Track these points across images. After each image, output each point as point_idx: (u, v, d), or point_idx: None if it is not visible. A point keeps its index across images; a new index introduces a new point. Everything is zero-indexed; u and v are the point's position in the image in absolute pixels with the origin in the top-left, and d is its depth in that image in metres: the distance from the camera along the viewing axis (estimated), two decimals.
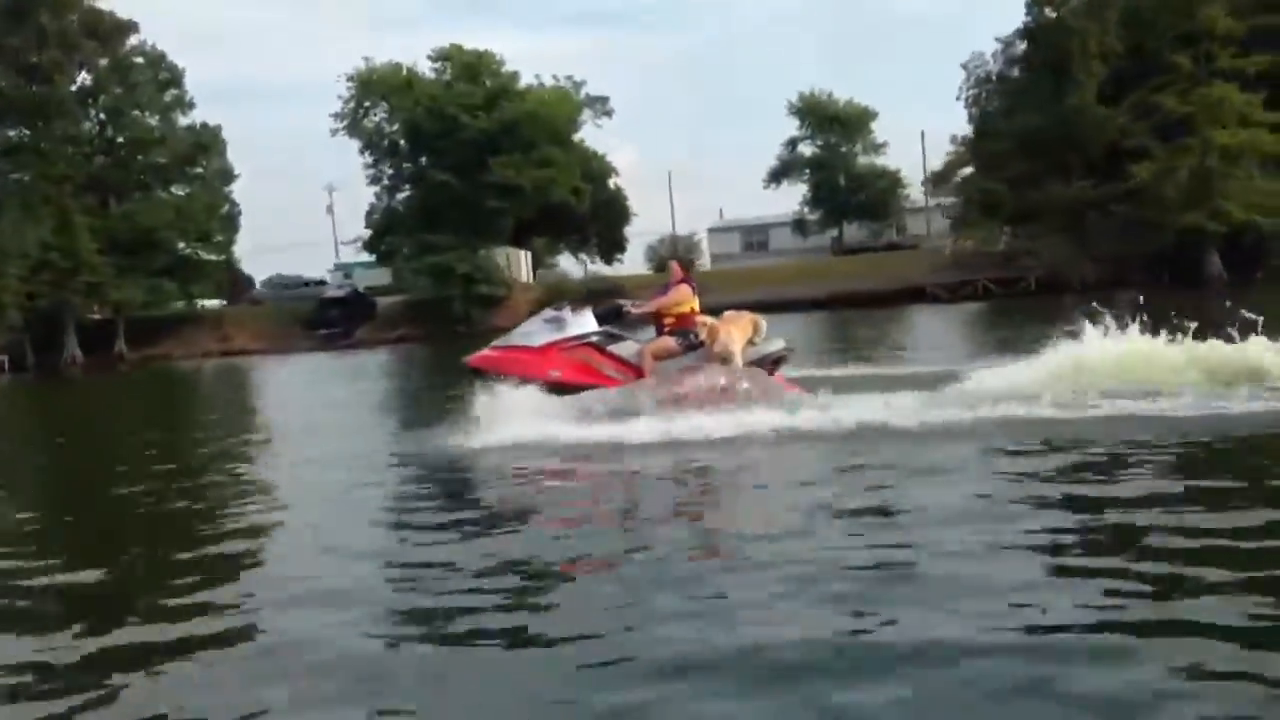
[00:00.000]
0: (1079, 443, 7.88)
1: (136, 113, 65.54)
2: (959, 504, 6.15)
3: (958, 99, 59.61)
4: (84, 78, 65.34)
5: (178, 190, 67.59)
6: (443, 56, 67.08)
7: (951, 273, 54.50)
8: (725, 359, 10.38)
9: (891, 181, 76.38)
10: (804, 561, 5.12)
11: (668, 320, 11.01)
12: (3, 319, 60.31)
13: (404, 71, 67.06)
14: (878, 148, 77.90)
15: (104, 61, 64.49)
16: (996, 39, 57.78)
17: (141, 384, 39.75)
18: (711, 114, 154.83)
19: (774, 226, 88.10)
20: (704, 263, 76.68)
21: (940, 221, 77.73)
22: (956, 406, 9.23)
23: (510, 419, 9.93)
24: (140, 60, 65.53)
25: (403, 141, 66.69)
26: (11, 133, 64.74)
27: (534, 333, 10.94)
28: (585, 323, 10.85)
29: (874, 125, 77.50)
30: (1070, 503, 6.17)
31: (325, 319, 65.58)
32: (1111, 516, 5.72)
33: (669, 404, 9.94)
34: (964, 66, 58.52)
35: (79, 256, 61.76)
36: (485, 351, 11.05)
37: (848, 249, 77.47)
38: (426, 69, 68.08)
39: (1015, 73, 60.29)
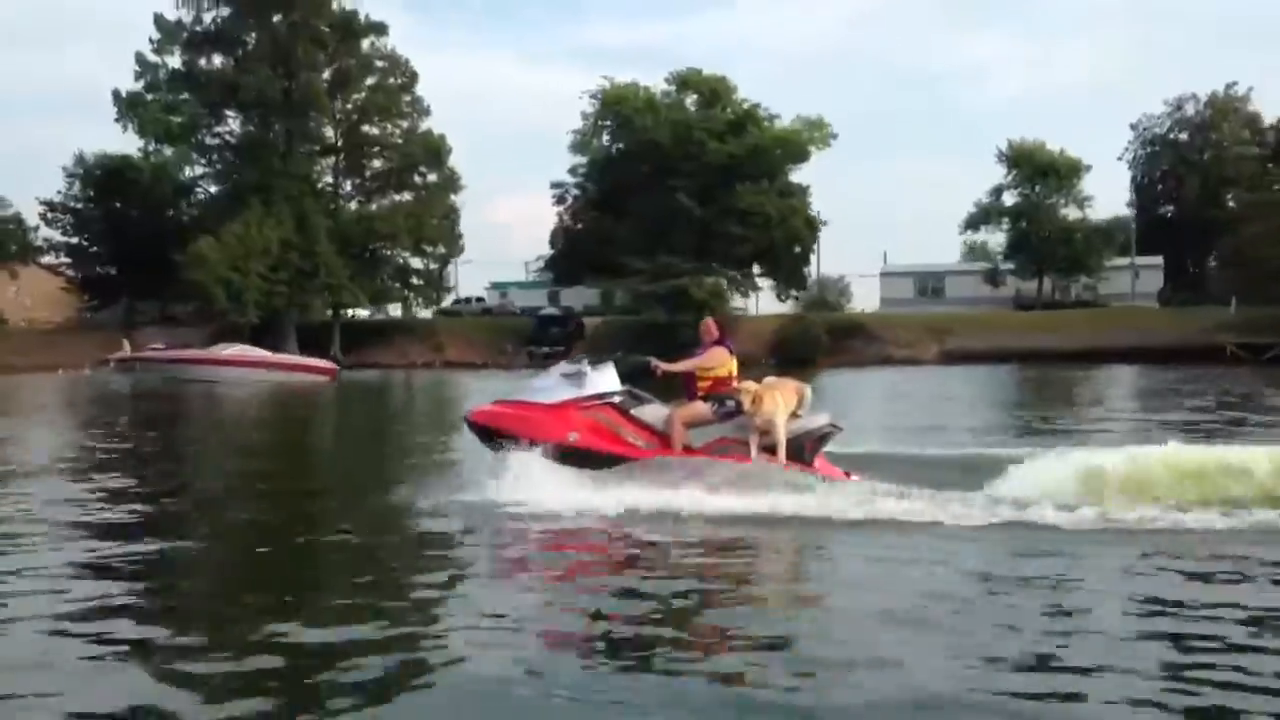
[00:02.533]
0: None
1: (377, 116, 64.81)
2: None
3: (1119, 159, 58.65)
4: (325, 76, 64.72)
5: (404, 197, 66.74)
6: (681, 80, 66.32)
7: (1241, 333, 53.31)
8: (767, 430, 9.26)
9: (1100, 236, 75.01)
10: None
11: (702, 384, 9.75)
12: (244, 316, 59.41)
13: (641, 92, 66.21)
14: (1082, 201, 76.78)
15: (352, 61, 63.87)
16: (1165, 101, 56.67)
17: (394, 393, 38.74)
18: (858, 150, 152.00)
19: (951, 274, 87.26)
20: (858, 306, 75.65)
21: (1150, 278, 77.23)
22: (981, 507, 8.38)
23: (529, 482, 8.89)
24: (382, 62, 64.92)
25: (640, 164, 65.39)
26: (252, 127, 64.19)
27: (548, 388, 9.68)
28: (607, 380, 9.64)
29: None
30: None
31: (547, 337, 64.64)
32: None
33: (699, 486, 8.84)
34: (1132, 127, 57.61)
35: (318, 257, 60.98)
36: (491, 406, 9.84)
37: (1027, 304, 76.40)
38: (659, 91, 67.20)
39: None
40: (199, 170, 66.04)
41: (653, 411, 9.66)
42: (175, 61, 63.98)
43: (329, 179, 66.39)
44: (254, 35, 62.97)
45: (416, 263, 66.13)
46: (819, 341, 59.74)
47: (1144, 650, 5.00)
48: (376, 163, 66.08)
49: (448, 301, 75.04)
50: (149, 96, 63.69)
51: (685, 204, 62.43)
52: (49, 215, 71.00)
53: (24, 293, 74.55)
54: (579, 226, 73.03)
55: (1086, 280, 79.17)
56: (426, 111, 65.40)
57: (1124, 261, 76.86)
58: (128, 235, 68.02)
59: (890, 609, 5.70)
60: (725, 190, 62.55)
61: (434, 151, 65.38)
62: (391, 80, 65.17)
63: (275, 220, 59.86)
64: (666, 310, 61.06)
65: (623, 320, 65.80)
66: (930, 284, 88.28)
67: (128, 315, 74.66)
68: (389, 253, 65.31)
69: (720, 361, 9.79)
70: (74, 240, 72.58)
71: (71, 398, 34.82)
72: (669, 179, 63.61)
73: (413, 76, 65.81)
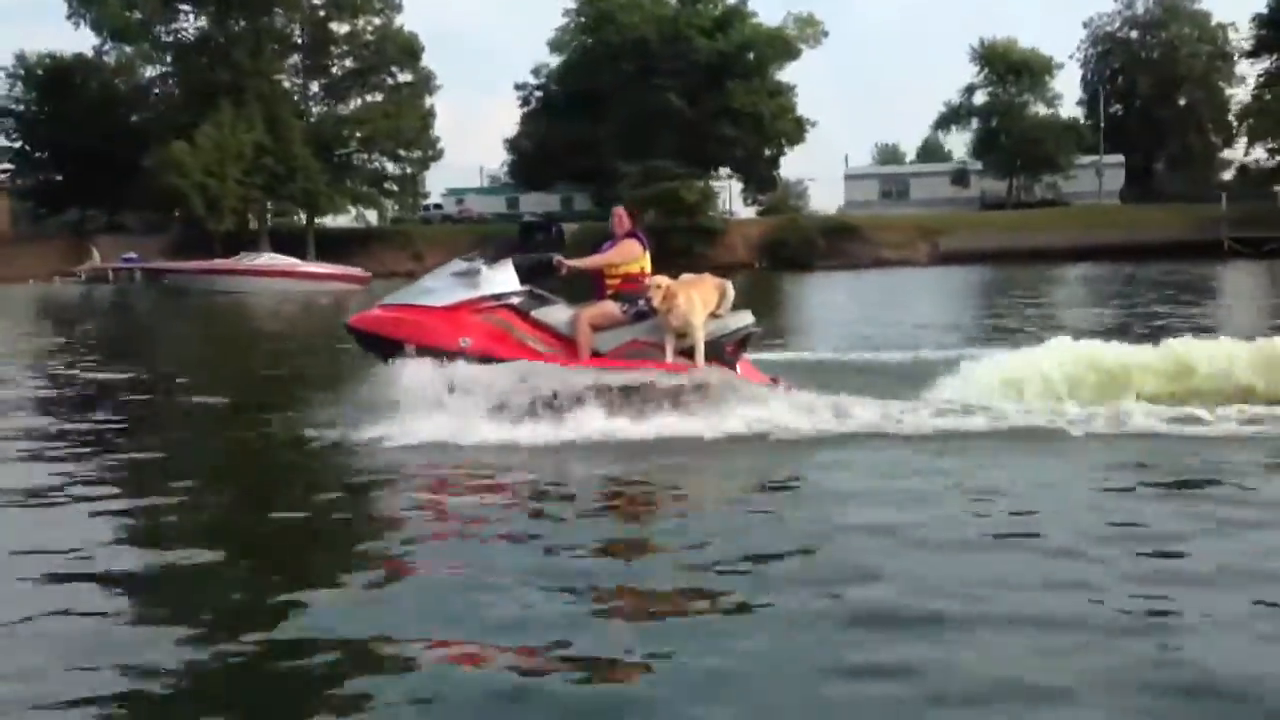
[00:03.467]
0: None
1: (346, 11, 61.64)
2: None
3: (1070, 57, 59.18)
4: None
5: (375, 98, 64.01)
6: None
7: (1236, 227, 54.36)
8: (683, 332, 8.39)
9: (1071, 135, 75.53)
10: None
11: (611, 281, 8.69)
12: (221, 224, 56.81)
13: None
14: (1051, 99, 77.17)
15: None
16: None
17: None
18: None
19: (916, 176, 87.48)
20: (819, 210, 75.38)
21: (1112, 177, 78.30)
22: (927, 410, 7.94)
23: (417, 404, 7.79)
24: None
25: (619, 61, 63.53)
26: (209, 23, 60.56)
27: (439, 289, 8.56)
28: (505, 279, 8.50)
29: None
30: None
31: (533, 243, 62.97)
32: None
33: (609, 394, 8.01)
34: (1085, 25, 58.34)
35: (293, 161, 58.35)
36: (375, 310, 8.66)
37: (993, 203, 77.10)
38: None
39: None
40: (156, 70, 61.90)
41: (556, 313, 8.52)
42: None
43: (295, 80, 63.02)
44: None
45: (392, 167, 63.57)
46: (814, 244, 59.46)
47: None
48: (347, 62, 62.92)
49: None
50: None
51: (674, 103, 60.99)
52: None
53: None
54: (544, 131, 71.05)
55: (1048, 179, 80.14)
56: (398, 7, 62.30)
57: (1088, 160, 77.64)
58: (75, 140, 64.17)
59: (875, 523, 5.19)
60: (715, 90, 61.22)
61: (407, 50, 62.68)
62: None
63: (247, 123, 56.91)
64: (657, 216, 60.06)
65: (601, 226, 64.39)
66: (895, 186, 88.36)
67: (78, 224, 71.09)
68: (365, 157, 62.69)
69: (632, 256, 8.63)
70: (17, 145, 68.24)
71: (78, 310, 32.92)
72: (654, 78, 62.02)
73: None
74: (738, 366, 8.57)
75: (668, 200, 60.07)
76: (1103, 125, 77.86)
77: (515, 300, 8.40)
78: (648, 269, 8.67)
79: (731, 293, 8.54)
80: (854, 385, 8.54)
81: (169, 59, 60.75)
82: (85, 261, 53.69)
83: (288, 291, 37.75)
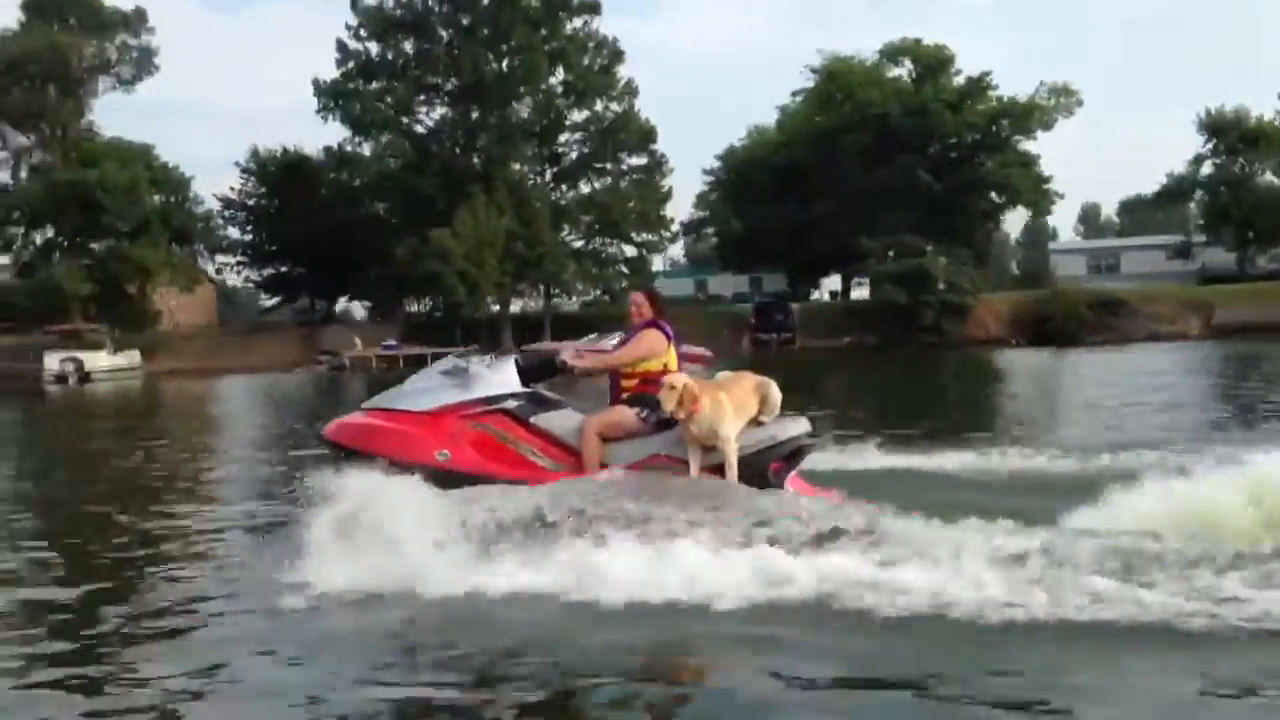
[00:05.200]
0: None
1: (585, 98, 61.98)
2: None
3: None
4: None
5: (609, 182, 63.82)
6: (898, 51, 63.40)
7: None
8: (710, 444, 6.71)
9: None
10: None
11: (628, 382, 7.21)
12: (479, 310, 56.66)
13: (855, 63, 63.37)
14: None
15: (557, 42, 60.89)
16: None
17: None
18: None
19: (1126, 250, 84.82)
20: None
21: None
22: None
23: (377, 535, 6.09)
24: (590, 41, 62.00)
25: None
26: (454, 113, 61.30)
27: (424, 391, 7.25)
28: (502, 379, 7.17)
29: None
30: None
31: (771, 323, 61.86)
32: None
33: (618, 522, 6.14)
34: None
35: (542, 246, 58.12)
36: (355, 416, 7.36)
37: (1213, 277, 73.57)
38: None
39: None
40: (394, 160, 62.60)
41: (562, 420, 7.14)
42: (375, 48, 61.05)
43: (534, 166, 63.29)
44: (456, 17, 60.00)
45: (629, 250, 63.13)
46: (1081, 318, 56.79)
47: None
48: (583, 148, 63.01)
49: None
50: (349, 85, 60.76)
51: (921, 178, 59.56)
52: (226, 213, 68.05)
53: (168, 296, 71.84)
54: (737, 212, 70.18)
55: (1274, 251, 76.55)
56: (635, 92, 62.35)
57: None
58: (305, 232, 65.20)
59: None
60: (963, 163, 59.78)
61: (645, 135, 62.45)
62: (599, 61, 62.13)
63: (498, 209, 56.92)
64: (907, 292, 58.31)
65: (830, 305, 63.00)
66: (1104, 260, 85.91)
67: (303, 314, 72.12)
68: (603, 241, 62.35)
69: (651, 352, 7.13)
70: (249, 238, 69.69)
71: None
72: (898, 153, 60.78)
73: (617, 55, 62.78)
74: (787, 486, 6.95)
75: (915, 276, 58.29)
76: None
77: (512, 404, 7.09)
78: (673, 366, 7.13)
79: (777, 395, 6.96)
80: (970, 504, 6.47)
81: (412, 149, 61.22)
82: (347, 350, 53.98)
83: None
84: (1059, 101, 59.11)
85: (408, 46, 61.02)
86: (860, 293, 73.33)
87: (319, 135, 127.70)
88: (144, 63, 60.54)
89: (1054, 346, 53.89)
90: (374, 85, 60.96)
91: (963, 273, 60.20)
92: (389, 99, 59.72)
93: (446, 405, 7.02)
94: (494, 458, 6.91)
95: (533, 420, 7.09)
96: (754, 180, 70.78)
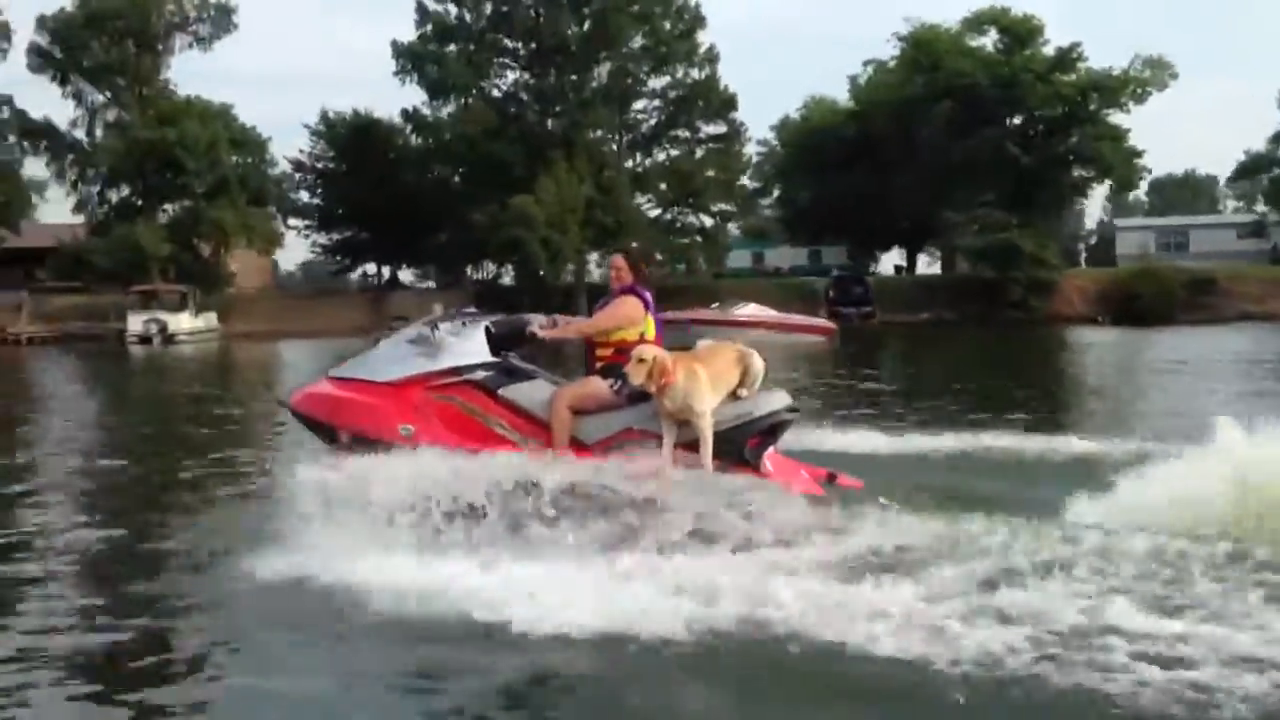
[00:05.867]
0: None
1: (664, 64, 60.82)
2: None
3: None
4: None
5: (683, 150, 62.76)
6: (983, 20, 61.84)
7: None
8: (685, 418, 6.33)
9: None
10: None
11: (602, 351, 6.82)
12: (558, 278, 55.96)
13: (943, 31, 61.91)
14: None
15: (636, 6, 59.64)
16: None
17: None
18: None
19: (1195, 228, 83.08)
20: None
21: None
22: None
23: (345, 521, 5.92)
24: (672, 6, 60.73)
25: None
26: (532, 78, 60.31)
27: (390, 360, 6.83)
28: (472, 348, 6.73)
29: None
30: None
31: (851, 297, 60.88)
32: None
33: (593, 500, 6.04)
34: None
35: (621, 213, 57.23)
36: (320, 386, 6.98)
37: None
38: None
39: None
40: (470, 125, 61.63)
41: (532, 391, 6.74)
42: (453, 9, 60.09)
43: (610, 133, 62.30)
44: None
45: (706, 220, 62.16)
46: (1174, 297, 55.53)
47: None
48: (660, 115, 61.96)
49: None
50: (428, 48, 59.87)
51: (1010, 150, 58.27)
52: (297, 176, 67.39)
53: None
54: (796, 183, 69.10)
55: None
56: (715, 58, 61.14)
57: None
58: (375, 197, 64.48)
59: None
60: (1053, 136, 58.44)
61: (726, 103, 61.32)
62: (679, 25, 60.94)
63: (578, 176, 56.06)
64: (995, 266, 57.20)
65: (907, 279, 61.87)
66: (1173, 239, 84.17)
67: (369, 279, 71.67)
68: (679, 210, 61.39)
69: (628, 319, 6.74)
70: (317, 202, 69.04)
71: None
72: (984, 125, 59.44)
73: (698, 19, 61.54)
74: (765, 463, 6.59)
75: (1003, 250, 57.11)
76: None
77: (480, 375, 6.66)
78: (650, 335, 6.71)
79: (759, 366, 6.52)
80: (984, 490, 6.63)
81: (493, 113, 60.32)
82: (430, 313, 53.40)
83: (763, 341, 36.48)
84: (1153, 74, 57.54)
85: (487, 7, 59.92)
86: (927, 268, 72.54)
87: (381, 101, 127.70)
88: (222, 21, 59.68)
89: (1143, 325, 53.02)
90: (452, 48, 59.96)
91: (1050, 248, 59.05)
92: (468, 61, 58.70)
93: (413, 376, 6.63)
94: (460, 431, 6.51)
95: (501, 392, 6.69)
96: (821, 151, 69.62)
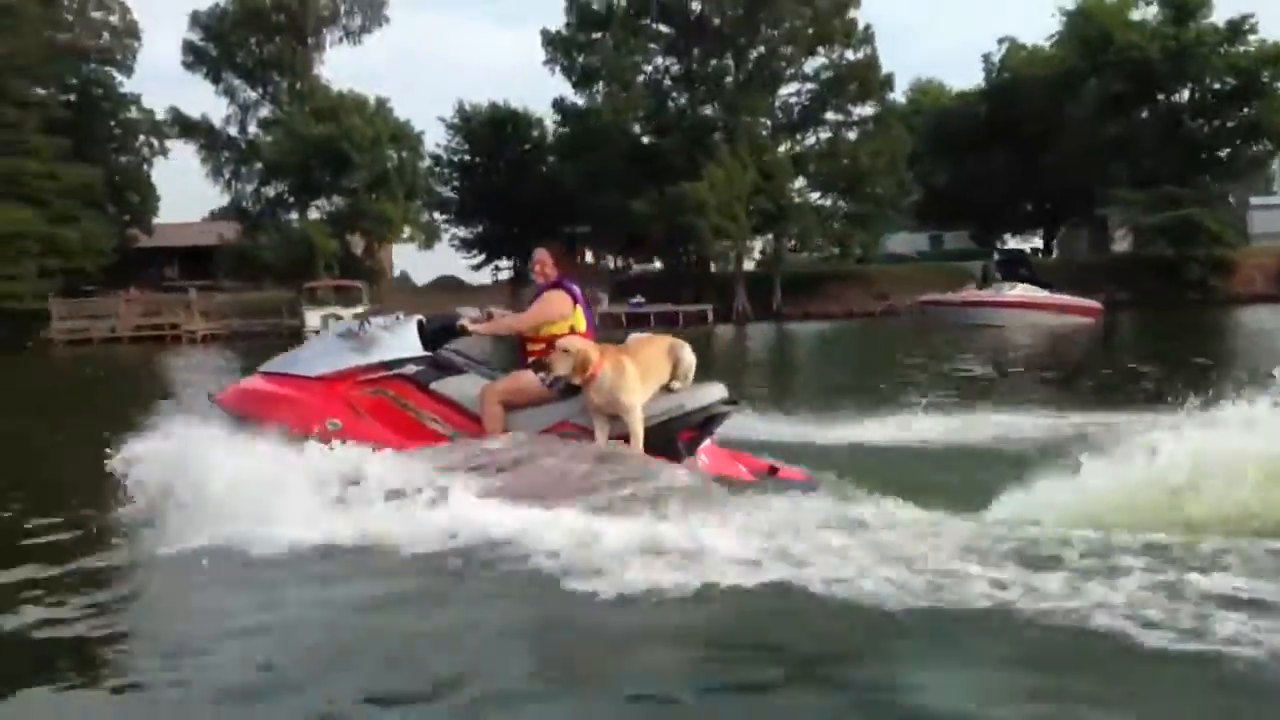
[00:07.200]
0: None
1: (818, 45, 59.39)
2: None
3: None
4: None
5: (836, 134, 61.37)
6: None
7: None
8: (614, 411, 6.29)
9: None
10: None
11: (534, 347, 6.81)
12: (726, 264, 55.00)
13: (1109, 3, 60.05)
14: None
15: None
16: None
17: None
18: None
19: None
20: None
21: None
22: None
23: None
24: None
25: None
26: (684, 63, 59.24)
27: (320, 354, 6.84)
28: (402, 342, 6.75)
29: None
30: None
31: (1016, 277, 59.33)
32: None
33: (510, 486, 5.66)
34: None
35: (785, 198, 56.11)
36: (249, 381, 7.06)
37: None
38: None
39: None
40: (622, 113, 60.63)
41: (464, 385, 6.77)
42: None
43: (763, 117, 61.04)
44: None
45: (864, 205, 60.76)
46: None
47: None
48: (814, 97, 60.62)
49: None
50: (578, 36, 59.04)
51: (1187, 124, 56.48)
52: (434, 169, 66.78)
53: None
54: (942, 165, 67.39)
55: None
56: (870, 38, 59.65)
57: None
58: (514, 189, 63.78)
59: None
60: (1230, 108, 56.55)
61: (883, 83, 59.90)
62: (832, 3, 59.52)
63: (742, 161, 54.96)
64: (1174, 244, 55.46)
65: (1069, 260, 60.06)
66: None
67: (498, 272, 71.14)
68: (837, 195, 60.11)
69: (557, 313, 6.85)
70: (455, 196, 68.48)
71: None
72: (1150, 100, 57.67)
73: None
74: (700, 456, 6.55)
75: (1182, 228, 55.31)
76: None
77: (411, 369, 6.72)
78: (580, 328, 6.78)
79: (690, 359, 6.56)
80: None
81: (649, 99, 59.35)
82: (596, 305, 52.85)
83: (1033, 323, 35.53)
84: None
85: None
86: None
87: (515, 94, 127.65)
88: (373, 14, 59.20)
89: None
90: (601, 36, 59.10)
91: (1230, 225, 57.22)
92: (615, 48, 57.76)
93: (342, 370, 6.68)
94: (392, 426, 6.55)
95: (433, 386, 6.75)
96: (953, 135, 68.07)
